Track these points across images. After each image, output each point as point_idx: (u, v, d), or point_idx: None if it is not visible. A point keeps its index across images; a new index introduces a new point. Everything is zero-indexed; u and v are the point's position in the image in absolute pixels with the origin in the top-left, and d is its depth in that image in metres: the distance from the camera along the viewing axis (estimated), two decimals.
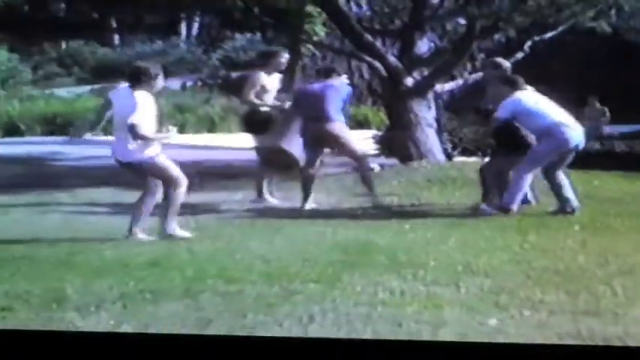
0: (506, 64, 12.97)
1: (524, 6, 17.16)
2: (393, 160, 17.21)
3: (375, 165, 14.43)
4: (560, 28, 18.73)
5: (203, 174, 15.88)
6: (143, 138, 9.99)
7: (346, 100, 12.57)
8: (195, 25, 43.51)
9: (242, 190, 13.53)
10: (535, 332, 6.28)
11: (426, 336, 6.17)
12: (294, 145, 12.23)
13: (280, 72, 13.37)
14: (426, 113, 17.73)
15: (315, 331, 6.35)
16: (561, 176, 11.48)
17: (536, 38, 18.67)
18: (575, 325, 6.43)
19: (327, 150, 12.80)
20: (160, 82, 10.35)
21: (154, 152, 10.14)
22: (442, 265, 8.48)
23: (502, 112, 11.35)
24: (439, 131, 18.23)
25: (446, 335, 6.21)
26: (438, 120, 18.26)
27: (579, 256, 8.94)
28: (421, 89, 17.83)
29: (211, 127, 29.35)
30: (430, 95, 18.03)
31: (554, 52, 21.89)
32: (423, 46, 19.32)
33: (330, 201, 12.77)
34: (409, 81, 17.76)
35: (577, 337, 6.09)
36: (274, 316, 6.76)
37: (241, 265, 8.47)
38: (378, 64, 17.95)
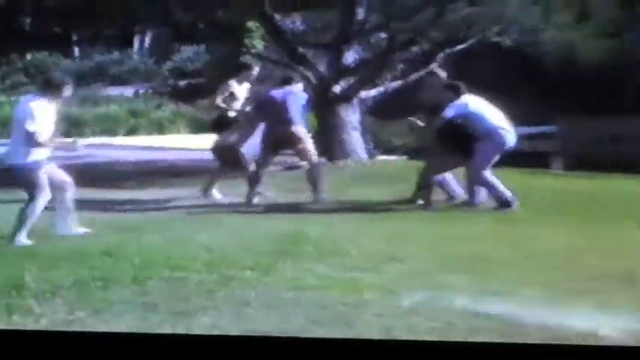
0: (444, 73, 13.00)
1: (439, 22, 17.41)
2: (322, 159, 17.19)
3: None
4: (469, 42, 18.91)
5: (154, 172, 15.82)
6: (40, 145, 9.36)
7: (304, 105, 12.52)
8: (147, 38, 43.20)
9: (188, 186, 13.42)
10: (443, 312, 6.31)
11: (350, 317, 6.18)
12: (247, 146, 12.22)
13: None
14: (351, 117, 17.89)
15: (248, 315, 6.34)
16: (491, 175, 11.51)
17: (448, 50, 18.84)
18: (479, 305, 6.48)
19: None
20: (67, 91, 9.74)
21: (40, 157, 9.48)
22: (364, 253, 8.47)
23: (450, 112, 11.33)
24: (363, 133, 18.40)
25: (365, 315, 6.22)
26: (362, 123, 18.43)
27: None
28: (347, 96, 17.99)
29: (161, 129, 29.37)
30: (355, 101, 18.23)
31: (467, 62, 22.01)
32: (350, 57, 19.39)
33: (267, 196, 12.71)
34: (337, 89, 17.91)
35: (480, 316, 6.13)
36: (214, 300, 6.74)
37: (186, 254, 8.40)
38: (309, 74, 18.02)
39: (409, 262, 8.03)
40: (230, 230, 10.05)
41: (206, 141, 13.72)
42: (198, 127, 26.69)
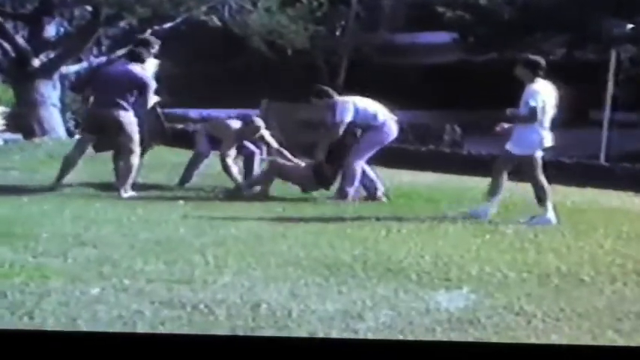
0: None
1: None
2: (18, 136, 16.68)
3: None
4: (177, 20, 18.96)
5: None
6: None
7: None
8: None
9: None
10: (131, 300, 6.16)
11: (29, 306, 5.92)
12: None
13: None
14: (51, 93, 17.55)
15: None
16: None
17: (157, 27, 18.77)
18: (169, 292, 6.38)
19: None
20: None
21: None
22: (54, 236, 8.19)
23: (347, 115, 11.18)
24: (63, 110, 18.02)
25: (48, 305, 5.97)
26: (62, 100, 18.05)
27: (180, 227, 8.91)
28: (48, 70, 17.60)
29: None
30: (56, 76, 17.83)
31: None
32: (52, 30, 18.92)
33: None
34: (36, 62, 17.46)
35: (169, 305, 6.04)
36: None
37: None
38: (7, 45, 17.46)
39: (100, 247, 7.81)
40: None
41: None
42: None
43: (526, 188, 10.42)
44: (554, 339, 5.50)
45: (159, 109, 11.69)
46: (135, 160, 11.02)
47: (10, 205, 10.01)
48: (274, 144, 12.33)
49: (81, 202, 10.36)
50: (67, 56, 18.31)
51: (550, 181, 11.04)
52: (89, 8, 19.29)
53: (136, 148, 11.03)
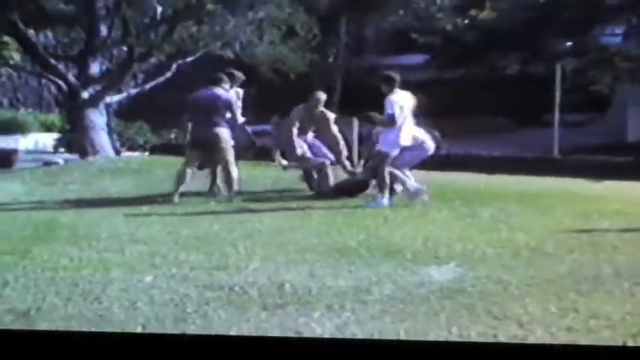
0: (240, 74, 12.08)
1: (170, 38, 17.52)
2: (75, 156, 16.73)
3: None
4: (198, 54, 19.06)
5: None
6: None
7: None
8: None
9: None
10: (179, 285, 6.20)
11: (96, 292, 5.95)
12: None
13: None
14: (99, 119, 17.67)
15: (6, 296, 5.98)
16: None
17: (180, 62, 18.91)
18: (209, 277, 6.42)
19: None
20: None
21: None
22: (111, 236, 8.22)
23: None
24: (110, 133, 18.10)
25: (112, 291, 6.01)
26: (108, 124, 18.14)
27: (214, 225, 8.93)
28: (94, 101, 17.73)
29: None
30: (102, 105, 17.97)
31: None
32: (96, 67, 18.98)
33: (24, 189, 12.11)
34: (85, 94, 17.59)
35: (210, 288, 6.08)
36: None
37: None
38: (60, 82, 17.60)
39: (150, 243, 7.85)
40: None
41: None
42: None
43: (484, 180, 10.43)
44: (528, 302, 5.56)
45: (246, 127, 11.66)
46: (235, 169, 10.84)
47: (74, 212, 10.05)
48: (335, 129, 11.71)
49: (129, 208, 10.34)
50: (110, 88, 18.41)
51: (515, 172, 11.11)
52: (125, 48, 19.39)
53: (234, 160, 10.87)
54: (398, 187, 10.51)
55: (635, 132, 22.88)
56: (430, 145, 10.49)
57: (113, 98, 18.72)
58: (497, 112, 23.75)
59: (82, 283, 6.27)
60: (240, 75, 11.84)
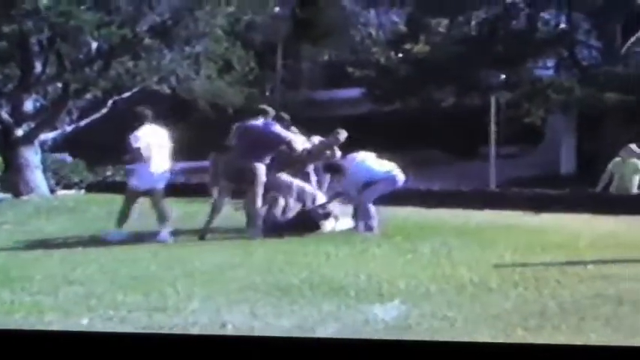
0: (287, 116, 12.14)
1: (106, 74, 17.34)
2: (8, 195, 16.30)
3: None
4: (134, 90, 18.89)
5: None
6: None
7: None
8: None
9: None
10: (117, 328, 5.93)
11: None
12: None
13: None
14: (33, 157, 17.29)
15: None
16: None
17: (117, 97, 18.75)
18: (149, 319, 6.18)
19: None
20: None
21: None
22: (45, 277, 7.90)
23: None
24: (44, 170, 17.74)
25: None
26: (43, 162, 17.79)
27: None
28: (29, 138, 17.39)
29: None
30: (36, 143, 17.65)
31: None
32: (30, 104, 18.63)
33: None
34: (19, 132, 17.25)
35: (150, 329, 5.84)
36: None
37: None
38: None
39: (87, 284, 7.56)
40: None
41: None
42: None
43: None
44: (477, 337, 5.44)
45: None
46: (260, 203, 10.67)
47: (7, 253, 9.70)
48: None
49: (65, 248, 10.06)
50: (44, 125, 18.07)
51: (452, 206, 11.04)
52: (60, 84, 19.06)
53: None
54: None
55: (567, 164, 23.23)
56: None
57: (48, 135, 18.39)
58: (433, 145, 23.90)
59: (15, 327, 5.98)
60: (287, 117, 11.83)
